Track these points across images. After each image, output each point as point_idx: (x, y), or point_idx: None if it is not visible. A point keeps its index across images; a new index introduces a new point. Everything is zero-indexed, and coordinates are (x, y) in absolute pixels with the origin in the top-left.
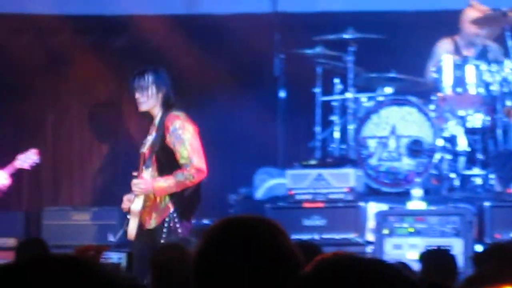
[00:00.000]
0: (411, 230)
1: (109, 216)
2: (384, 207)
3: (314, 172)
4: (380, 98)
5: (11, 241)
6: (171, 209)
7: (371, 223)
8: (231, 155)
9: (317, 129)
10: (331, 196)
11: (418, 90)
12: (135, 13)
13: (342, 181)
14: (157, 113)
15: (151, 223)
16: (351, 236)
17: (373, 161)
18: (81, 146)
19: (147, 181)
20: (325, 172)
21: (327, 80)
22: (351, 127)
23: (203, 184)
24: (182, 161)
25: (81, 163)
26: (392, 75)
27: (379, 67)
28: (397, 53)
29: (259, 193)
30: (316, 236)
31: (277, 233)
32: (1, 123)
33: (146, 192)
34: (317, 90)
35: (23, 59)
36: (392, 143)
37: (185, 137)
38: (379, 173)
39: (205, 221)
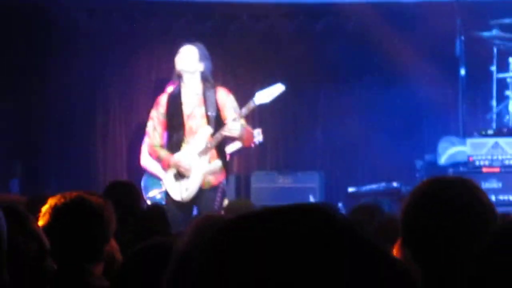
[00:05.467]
0: None
1: (310, 180)
2: None
3: (491, 140)
4: None
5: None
6: (225, 174)
7: None
8: (418, 125)
9: (493, 103)
10: (506, 162)
11: None
12: (332, 1)
13: None
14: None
15: (207, 184)
16: None
17: None
18: (284, 119)
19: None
20: (501, 140)
21: (503, 59)
22: None
23: (392, 150)
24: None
25: (285, 130)
26: None
27: None
28: None
29: (443, 159)
30: (493, 197)
31: (476, 189)
32: None
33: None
34: (493, 68)
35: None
36: None
37: None
38: None
39: (394, 184)
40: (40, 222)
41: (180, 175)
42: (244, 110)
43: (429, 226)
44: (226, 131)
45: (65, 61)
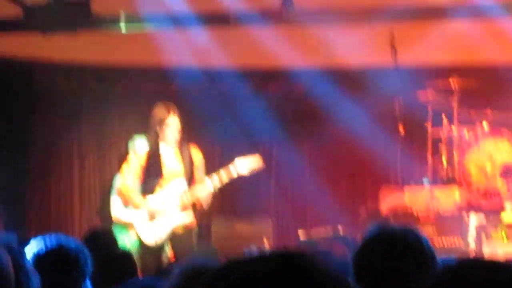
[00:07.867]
0: (504, 235)
1: (264, 224)
2: (482, 217)
3: (427, 189)
4: (479, 131)
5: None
6: (196, 222)
7: (472, 230)
8: (362, 175)
9: (429, 155)
10: (440, 209)
11: (509, 124)
12: (284, 64)
13: (450, 197)
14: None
15: (180, 227)
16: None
17: (473, 181)
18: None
19: None
20: (436, 189)
21: (437, 116)
22: (455, 154)
23: (338, 197)
24: None
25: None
26: (488, 112)
27: (478, 106)
28: (492, 95)
29: (383, 206)
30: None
31: (419, 237)
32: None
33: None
34: (429, 124)
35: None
36: (488, 167)
37: None
38: (479, 190)
39: (339, 228)
40: None
41: (152, 217)
42: (224, 177)
43: (382, 267)
44: (196, 193)
45: (46, 117)
